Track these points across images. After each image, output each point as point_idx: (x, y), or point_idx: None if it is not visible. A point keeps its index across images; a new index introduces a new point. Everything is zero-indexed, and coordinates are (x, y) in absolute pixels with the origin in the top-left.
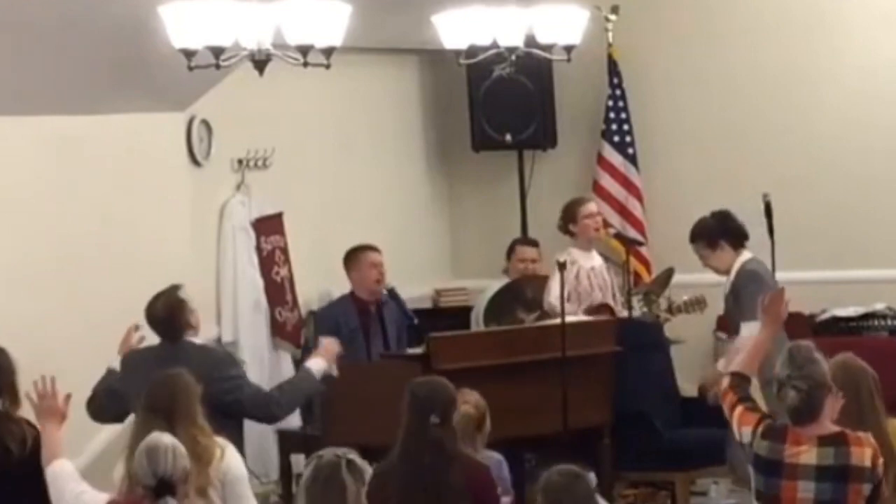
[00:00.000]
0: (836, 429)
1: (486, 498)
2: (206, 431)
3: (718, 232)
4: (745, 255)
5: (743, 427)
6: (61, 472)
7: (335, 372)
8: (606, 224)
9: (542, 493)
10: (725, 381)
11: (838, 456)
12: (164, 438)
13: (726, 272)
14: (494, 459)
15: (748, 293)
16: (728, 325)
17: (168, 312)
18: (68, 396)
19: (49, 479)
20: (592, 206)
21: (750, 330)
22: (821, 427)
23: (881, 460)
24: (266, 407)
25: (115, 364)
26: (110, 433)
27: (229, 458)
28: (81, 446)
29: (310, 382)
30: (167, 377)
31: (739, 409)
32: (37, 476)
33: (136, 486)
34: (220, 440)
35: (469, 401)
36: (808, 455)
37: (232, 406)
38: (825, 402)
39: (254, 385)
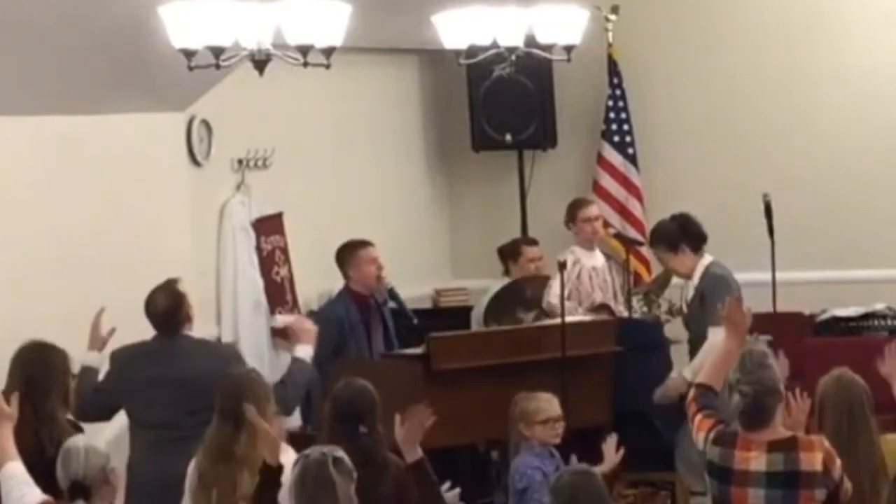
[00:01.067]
0: (786, 434)
1: (408, 499)
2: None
3: (679, 235)
4: (707, 258)
5: (699, 433)
6: (13, 474)
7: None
8: (606, 224)
9: (556, 492)
10: (692, 392)
11: (787, 462)
12: (78, 440)
13: (688, 276)
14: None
15: (717, 298)
16: (690, 327)
17: (170, 306)
18: (13, 395)
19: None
20: (592, 210)
21: (717, 335)
22: (771, 433)
23: (837, 462)
24: (281, 402)
25: (90, 361)
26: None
27: (286, 465)
28: None
29: (305, 372)
30: (239, 378)
31: (699, 417)
32: None
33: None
34: (283, 445)
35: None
36: (757, 461)
37: None
38: (775, 408)
39: None
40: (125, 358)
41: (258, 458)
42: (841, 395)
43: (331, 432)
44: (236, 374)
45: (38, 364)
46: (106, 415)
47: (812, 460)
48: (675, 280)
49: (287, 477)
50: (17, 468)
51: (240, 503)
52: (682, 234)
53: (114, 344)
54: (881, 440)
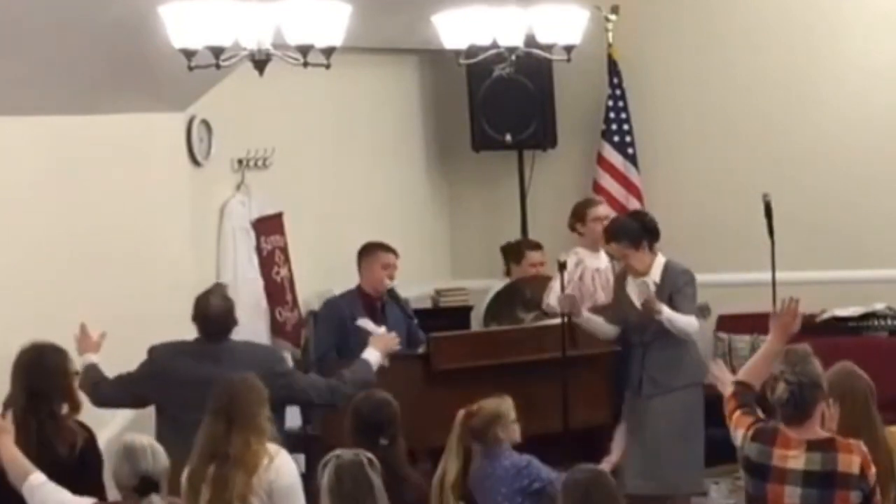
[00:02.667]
0: (826, 435)
1: None
2: (262, 437)
3: (641, 233)
4: (661, 256)
5: (737, 430)
6: (42, 481)
7: (387, 363)
8: None
9: (567, 491)
10: (729, 389)
11: (826, 462)
12: (141, 438)
13: (644, 272)
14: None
15: (690, 292)
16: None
17: (225, 309)
18: (8, 410)
19: (27, 494)
20: (602, 210)
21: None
22: (810, 432)
23: (872, 469)
24: (330, 395)
25: (92, 358)
26: (106, 438)
27: (279, 466)
28: None
29: (366, 373)
30: (232, 380)
31: (737, 414)
32: (85, 479)
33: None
34: (273, 447)
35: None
36: (796, 459)
37: (298, 397)
38: (817, 404)
39: (311, 375)
40: (167, 356)
41: (254, 458)
42: (844, 389)
43: (352, 444)
44: (231, 377)
45: (40, 366)
46: (127, 403)
47: (850, 462)
48: None
49: None
50: (41, 476)
51: (235, 503)
52: (644, 231)
53: (111, 344)
54: (887, 432)
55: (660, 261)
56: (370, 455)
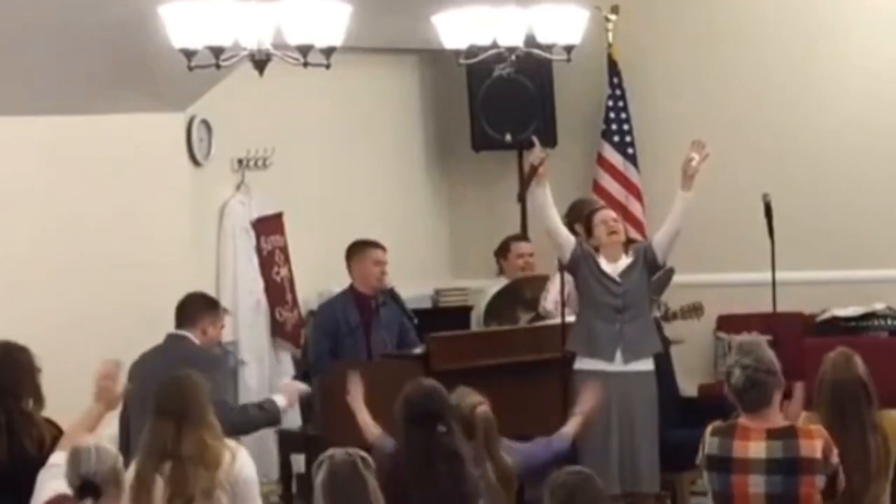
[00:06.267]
0: (785, 423)
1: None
2: (215, 433)
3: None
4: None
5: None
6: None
7: (294, 406)
8: None
9: (552, 492)
10: None
11: (787, 448)
12: (88, 440)
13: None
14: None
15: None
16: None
17: (191, 299)
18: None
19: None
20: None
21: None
22: (770, 421)
23: (835, 452)
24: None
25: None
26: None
27: (242, 462)
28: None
29: (268, 415)
30: (175, 378)
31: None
32: None
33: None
34: (232, 443)
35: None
36: (756, 448)
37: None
38: (774, 389)
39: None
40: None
41: (214, 455)
42: (840, 372)
43: (407, 433)
44: (177, 376)
45: (6, 366)
46: None
47: (812, 447)
48: (674, 280)
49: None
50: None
51: (199, 498)
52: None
53: (112, 344)
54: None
55: None
56: (363, 454)
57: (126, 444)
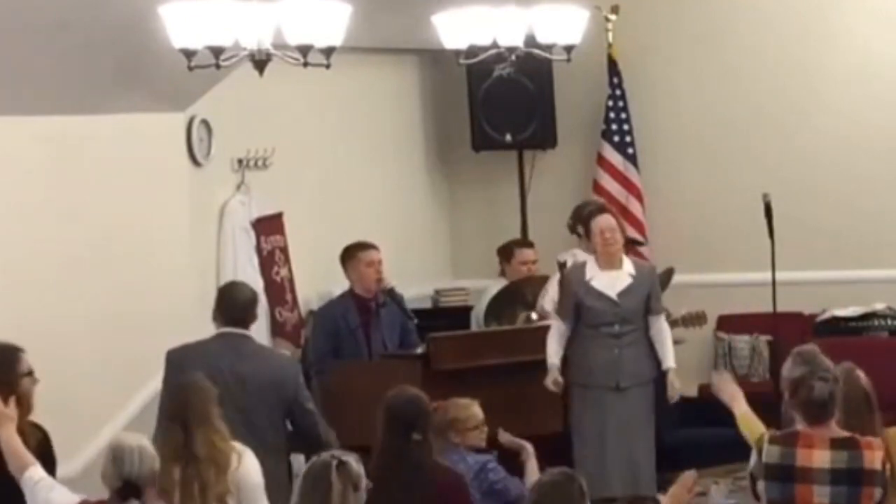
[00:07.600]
0: (845, 433)
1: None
2: (223, 436)
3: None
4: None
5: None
6: (41, 476)
7: None
8: None
9: (535, 493)
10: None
11: (851, 459)
12: (131, 439)
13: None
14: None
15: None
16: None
17: (250, 299)
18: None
19: (25, 486)
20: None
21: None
22: (830, 430)
23: (889, 465)
24: (324, 432)
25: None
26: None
27: (247, 465)
28: (80, 448)
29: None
30: (182, 384)
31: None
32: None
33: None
34: (238, 445)
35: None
36: (820, 458)
37: (305, 418)
38: (837, 402)
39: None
40: (182, 358)
41: (224, 457)
42: (845, 389)
43: (384, 439)
44: (184, 381)
45: None
46: None
47: (873, 458)
48: (675, 280)
49: None
50: (40, 471)
51: (213, 502)
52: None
53: (112, 344)
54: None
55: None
56: (346, 458)
57: None
